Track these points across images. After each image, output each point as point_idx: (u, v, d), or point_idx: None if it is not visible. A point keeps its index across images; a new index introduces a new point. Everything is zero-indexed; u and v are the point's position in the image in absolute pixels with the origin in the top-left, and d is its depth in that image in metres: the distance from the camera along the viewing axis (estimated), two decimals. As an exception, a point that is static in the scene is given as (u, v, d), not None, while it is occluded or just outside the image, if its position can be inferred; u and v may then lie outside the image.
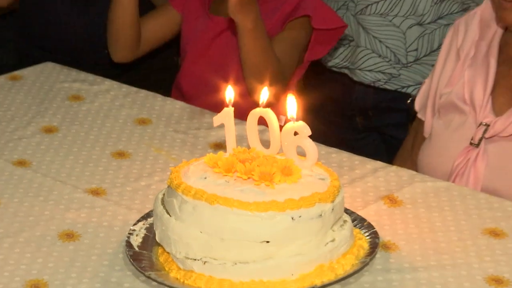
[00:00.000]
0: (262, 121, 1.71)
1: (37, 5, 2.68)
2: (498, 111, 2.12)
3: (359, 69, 2.68)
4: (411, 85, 2.67)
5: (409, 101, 2.60)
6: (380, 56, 2.65)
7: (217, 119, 1.76)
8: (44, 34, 2.68)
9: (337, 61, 2.67)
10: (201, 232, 1.61)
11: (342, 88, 2.71)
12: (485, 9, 2.21)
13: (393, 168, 2.09)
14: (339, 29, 2.44)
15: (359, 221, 1.81)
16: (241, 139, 1.78)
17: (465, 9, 2.61)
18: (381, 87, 2.69)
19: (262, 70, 2.20)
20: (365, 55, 2.65)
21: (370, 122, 2.71)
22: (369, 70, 2.67)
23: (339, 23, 2.43)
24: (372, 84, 2.70)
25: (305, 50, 2.39)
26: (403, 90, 2.68)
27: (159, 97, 2.39)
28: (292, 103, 1.67)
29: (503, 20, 2.11)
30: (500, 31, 2.16)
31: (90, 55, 2.50)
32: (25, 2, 2.74)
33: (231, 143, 1.75)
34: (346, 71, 2.72)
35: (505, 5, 2.04)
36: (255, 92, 1.86)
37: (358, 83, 2.71)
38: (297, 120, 1.67)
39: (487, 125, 2.11)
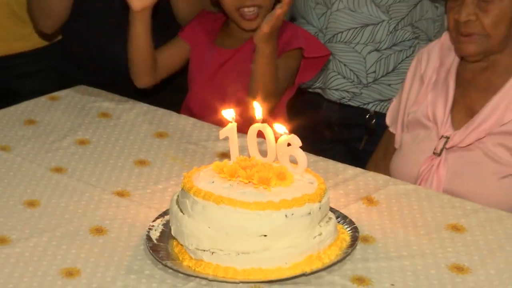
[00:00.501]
0: (260, 134, 1.71)
1: (80, 33, 2.64)
2: (456, 126, 2.12)
3: (328, 88, 2.68)
4: (371, 102, 2.66)
5: (367, 116, 2.65)
6: (344, 77, 2.64)
7: (223, 132, 1.76)
8: (86, 59, 2.64)
9: (310, 83, 2.65)
10: (209, 227, 1.61)
11: (313, 105, 2.71)
12: (444, 41, 2.22)
13: (371, 173, 2.09)
14: (325, 56, 2.43)
15: (342, 218, 1.80)
16: (243, 149, 1.75)
17: (416, 37, 2.63)
18: (345, 103, 2.68)
19: (265, 87, 2.20)
20: (332, 77, 2.65)
21: (335, 134, 2.71)
22: (336, 89, 2.66)
23: (325, 51, 2.43)
24: (338, 101, 2.69)
25: (296, 74, 2.37)
26: (364, 106, 2.67)
27: (174, 115, 2.39)
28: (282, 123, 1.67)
29: (459, 51, 2.12)
30: (457, 59, 2.17)
31: (126, 78, 2.44)
32: (69, 30, 2.70)
33: (234, 152, 1.74)
34: (319, 90, 2.72)
35: (461, 39, 2.05)
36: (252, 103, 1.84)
37: (327, 100, 2.71)
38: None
39: (447, 138, 2.12)
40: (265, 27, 2.13)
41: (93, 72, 2.64)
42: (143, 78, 2.41)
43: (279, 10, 2.12)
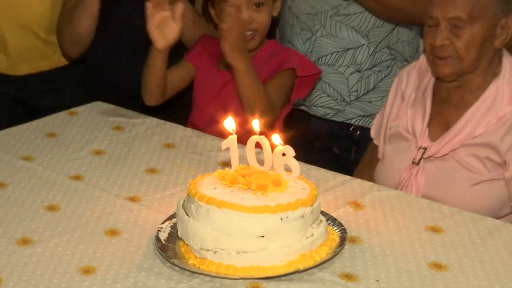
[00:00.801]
0: (258, 145, 1.71)
1: (103, 55, 2.64)
2: (433, 138, 2.13)
3: (314, 106, 2.67)
4: (354, 118, 2.65)
5: (351, 128, 2.65)
6: (328, 96, 2.64)
7: (224, 144, 1.76)
8: (108, 77, 2.63)
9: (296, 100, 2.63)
10: (212, 229, 1.61)
11: (302, 120, 2.70)
12: (422, 63, 2.23)
13: (357, 180, 2.08)
14: (316, 74, 2.43)
15: (332, 221, 1.80)
16: (242, 159, 1.74)
17: (393, 58, 2.62)
18: (330, 119, 2.67)
19: (254, 102, 2.20)
20: (318, 95, 2.65)
21: (324, 144, 2.70)
22: (321, 106, 2.66)
23: (316, 70, 2.42)
24: (323, 117, 2.68)
25: (291, 92, 2.37)
26: (347, 122, 2.66)
27: (181, 128, 2.40)
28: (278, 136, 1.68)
29: (435, 73, 2.13)
30: (433, 79, 2.18)
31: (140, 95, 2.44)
32: (95, 52, 2.68)
33: (235, 162, 1.74)
34: (304, 107, 2.71)
35: (437, 62, 2.06)
36: (251, 120, 1.84)
37: (313, 116, 2.70)
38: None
39: (425, 149, 2.12)
40: (223, 46, 2.17)
41: (113, 89, 2.63)
42: (153, 98, 2.42)
43: (224, 26, 2.17)
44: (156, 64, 2.32)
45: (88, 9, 2.48)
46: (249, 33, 2.29)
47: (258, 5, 2.28)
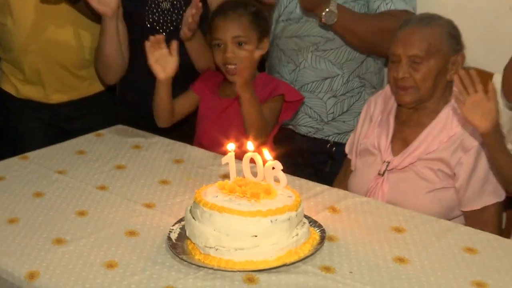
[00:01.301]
0: (252, 161, 1.71)
1: (133, 83, 2.59)
2: (395, 153, 2.13)
3: (298, 125, 2.65)
4: (330, 135, 2.62)
5: (328, 145, 2.62)
6: (310, 117, 2.62)
7: (224, 159, 1.76)
8: (137, 103, 2.58)
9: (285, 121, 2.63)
10: (214, 230, 1.63)
11: (288, 138, 2.64)
12: (387, 91, 2.24)
13: (334, 189, 2.09)
14: (300, 100, 2.43)
15: (313, 223, 1.79)
16: (239, 172, 1.74)
17: (362, 86, 2.59)
18: (311, 136, 2.64)
19: (255, 121, 2.19)
20: (301, 116, 2.62)
21: (306, 160, 2.66)
22: (304, 126, 2.64)
23: (300, 96, 2.41)
24: (306, 135, 2.65)
25: (279, 114, 2.36)
26: (326, 138, 2.63)
27: (188, 146, 2.39)
28: (268, 152, 1.69)
29: (398, 101, 2.13)
30: (395, 104, 2.18)
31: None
32: (125, 81, 2.65)
33: (233, 174, 1.75)
34: (291, 126, 2.68)
35: (399, 92, 2.07)
36: (255, 139, 1.92)
37: (298, 133, 2.67)
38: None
39: (388, 162, 2.12)
40: (238, 79, 2.16)
41: (134, 111, 2.62)
42: (163, 121, 2.40)
43: (240, 66, 2.18)
44: (160, 93, 2.30)
45: (107, 33, 2.44)
46: (232, 67, 2.27)
47: (240, 43, 2.26)
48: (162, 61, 2.25)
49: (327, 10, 2.30)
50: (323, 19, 2.32)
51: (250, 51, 2.26)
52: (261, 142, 1.79)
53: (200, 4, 2.29)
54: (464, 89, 1.82)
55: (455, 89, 1.91)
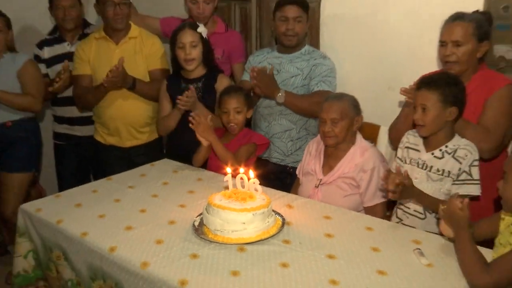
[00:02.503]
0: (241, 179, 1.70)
1: (178, 135, 2.44)
2: (324, 174, 2.07)
3: (271, 157, 2.54)
4: (290, 163, 2.50)
5: (288, 168, 2.51)
6: (277, 152, 2.52)
7: (225, 178, 1.74)
8: (181, 154, 2.40)
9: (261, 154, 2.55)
10: (219, 219, 1.61)
11: (265, 165, 2.50)
12: (319, 138, 2.16)
13: (290, 194, 2.05)
14: (267, 143, 2.36)
15: (278, 214, 1.76)
16: (234, 185, 1.72)
17: (308, 134, 2.49)
18: (279, 163, 2.52)
19: (225, 160, 2.12)
20: (272, 152, 2.52)
21: (275, 177, 2.47)
22: (274, 157, 2.53)
23: (266, 141, 2.36)
24: (275, 163, 2.53)
25: (254, 152, 2.29)
26: (287, 165, 2.51)
27: (206, 171, 2.31)
28: (252, 173, 1.69)
29: (325, 143, 2.08)
30: (324, 146, 2.11)
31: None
32: (172, 137, 2.52)
33: (230, 187, 1.73)
34: (266, 157, 2.54)
35: (325, 139, 2.03)
36: (232, 166, 1.85)
37: (270, 162, 2.54)
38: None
39: (320, 179, 2.07)
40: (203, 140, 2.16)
41: (177, 151, 2.47)
42: (199, 165, 2.30)
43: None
44: (202, 151, 2.24)
45: (175, 117, 2.38)
46: (233, 124, 2.24)
47: (238, 112, 2.23)
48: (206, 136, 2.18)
49: (278, 95, 2.28)
50: (276, 100, 2.31)
51: (243, 116, 2.27)
52: (240, 168, 1.74)
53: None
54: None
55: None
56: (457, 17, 1.86)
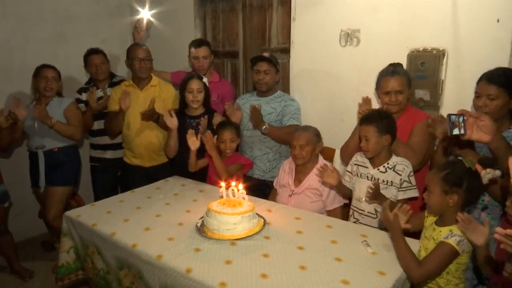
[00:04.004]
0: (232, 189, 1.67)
1: (181, 155, 2.37)
2: (295, 186, 2.06)
3: (253, 174, 2.48)
4: (269, 178, 2.45)
5: (267, 182, 2.44)
6: (259, 170, 2.47)
7: (220, 190, 1.73)
8: (182, 166, 2.32)
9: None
10: (216, 221, 1.60)
11: (249, 179, 2.43)
12: (291, 159, 2.14)
13: (269, 202, 2.02)
14: (251, 164, 2.35)
15: (260, 217, 1.75)
16: (227, 195, 1.71)
17: (281, 157, 2.46)
18: (260, 178, 2.48)
19: (221, 173, 2.12)
20: (255, 170, 2.46)
21: (258, 188, 2.39)
22: (256, 174, 2.47)
23: (250, 162, 2.35)
24: (258, 178, 2.48)
25: (241, 169, 2.26)
26: (267, 179, 2.47)
27: (206, 184, 2.29)
28: (241, 185, 1.68)
29: (295, 163, 2.07)
30: (294, 165, 2.09)
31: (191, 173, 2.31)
32: (178, 156, 2.44)
33: (224, 196, 1.72)
34: (250, 174, 2.48)
35: (296, 160, 2.02)
36: (226, 179, 1.86)
37: (253, 178, 2.48)
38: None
39: (293, 190, 2.05)
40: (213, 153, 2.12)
41: (182, 168, 2.38)
42: (191, 168, 2.24)
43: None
44: (192, 157, 2.17)
45: (173, 137, 2.34)
46: (228, 151, 2.23)
47: (232, 141, 2.22)
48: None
49: (263, 127, 2.31)
50: (262, 131, 2.32)
51: (236, 144, 2.25)
52: (231, 180, 1.71)
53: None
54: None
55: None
56: (394, 72, 1.92)
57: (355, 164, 1.91)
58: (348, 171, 1.94)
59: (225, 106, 2.40)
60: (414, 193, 1.73)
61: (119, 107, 2.45)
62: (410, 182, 1.74)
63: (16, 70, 2.84)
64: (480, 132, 1.29)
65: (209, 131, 2.16)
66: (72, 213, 1.89)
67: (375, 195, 1.66)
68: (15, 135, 2.44)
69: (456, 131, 1.30)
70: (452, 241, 1.29)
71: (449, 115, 1.31)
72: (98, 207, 1.95)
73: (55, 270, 2.03)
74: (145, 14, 2.88)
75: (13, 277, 2.57)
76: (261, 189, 2.48)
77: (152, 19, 3.05)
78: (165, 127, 2.53)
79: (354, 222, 1.84)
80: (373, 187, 1.64)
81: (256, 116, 2.31)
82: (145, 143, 2.56)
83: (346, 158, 2.02)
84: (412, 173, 1.75)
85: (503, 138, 1.32)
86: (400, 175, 1.74)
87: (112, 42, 3.28)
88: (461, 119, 1.30)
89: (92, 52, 2.72)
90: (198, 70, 2.64)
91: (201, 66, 2.63)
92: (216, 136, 2.22)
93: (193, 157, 2.20)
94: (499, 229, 1.00)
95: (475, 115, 1.29)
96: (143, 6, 3.07)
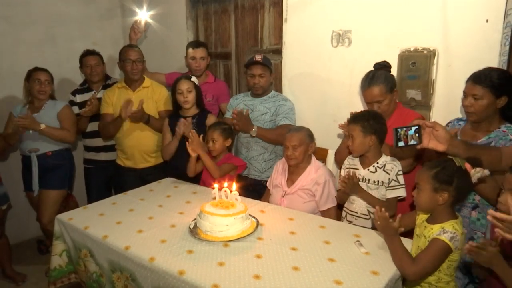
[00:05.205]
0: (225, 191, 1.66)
1: (176, 158, 2.37)
2: (288, 186, 2.05)
3: (249, 174, 2.47)
4: (264, 178, 2.43)
5: (262, 182, 2.43)
6: (255, 171, 2.46)
7: (213, 191, 1.71)
8: (179, 168, 2.31)
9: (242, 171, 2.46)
10: (208, 223, 1.58)
11: (244, 179, 2.43)
12: (284, 159, 2.14)
13: (263, 202, 2.03)
14: (244, 165, 2.33)
15: (253, 217, 1.74)
16: (220, 196, 1.69)
17: (276, 156, 2.46)
18: (256, 178, 2.46)
19: (214, 173, 2.11)
20: (251, 170, 2.45)
21: (252, 188, 2.40)
22: (252, 174, 2.46)
23: (243, 163, 2.32)
24: (254, 178, 2.46)
25: (235, 170, 2.25)
26: (262, 179, 2.44)
27: (198, 186, 2.27)
28: (234, 186, 1.67)
29: (288, 163, 2.06)
30: (287, 165, 2.09)
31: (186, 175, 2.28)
32: (173, 159, 2.43)
33: (217, 198, 1.70)
34: (246, 174, 2.47)
35: (289, 161, 2.00)
36: (216, 178, 1.86)
37: (249, 178, 2.46)
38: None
39: (285, 191, 2.05)
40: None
41: (177, 170, 2.39)
42: (192, 175, 2.24)
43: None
44: (192, 162, 2.19)
45: (174, 143, 2.35)
46: (212, 150, 2.20)
47: (215, 141, 2.19)
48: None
49: (252, 130, 2.28)
50: (251, 134, 2.30)
51: (219, 144, 2.20)
52: (224, 180, 1.70)
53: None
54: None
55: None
56: (371, 81, 1.85)
57: (347, 168, 1.90)
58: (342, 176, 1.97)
59: (233, 114, 2.26)
60: (402, 192, 1.73)
61: (119, 115, 2.40)
62: (398, 181, 1.73)
63: (5, 73, 2.81)
64: (435, 141, 1.32)
65: (194, 131, 2.14)
66: (64, 216, 1.87)
67: (351, 186, 1.68)
68: (11, 142, 2.48)
69: (401, 144, 1.36)
70: (445, 237, 1.30)
71: (395, 129, 1.37)
72: (91, 210, 1.93)
73: (48, 273, 2.01)
74: (143, 15, 2.87)
75: (6, 282, 2.55)
76: (257, 189, 2.47)
77: (150, 20, 3.04)
78: (158, 130, 2.53)
79: (346, 223, 1.84)
80: (347, 177, 1.68)
81: (243, 121, 2.27)
82: (136, 144, 2.54)
83: (340, 162, 2.01)
84: (400, 172, 1.74)
85: (461, 143, 1.35)
86: (389, 174, 1.74)
87: (103, 44, 3.26)
88: (411, 131, 1.34)
89: (88, 53, 2.72)
90: (194, 71, 2.64)
91: (198, 67, 2.64)
92: (202, 136, 2.20)
93: (193, 163, 2.19)
94: (491, 212, 1.00)
95: (430, 125, 1.32)
96: (140, 7, 3.06)
